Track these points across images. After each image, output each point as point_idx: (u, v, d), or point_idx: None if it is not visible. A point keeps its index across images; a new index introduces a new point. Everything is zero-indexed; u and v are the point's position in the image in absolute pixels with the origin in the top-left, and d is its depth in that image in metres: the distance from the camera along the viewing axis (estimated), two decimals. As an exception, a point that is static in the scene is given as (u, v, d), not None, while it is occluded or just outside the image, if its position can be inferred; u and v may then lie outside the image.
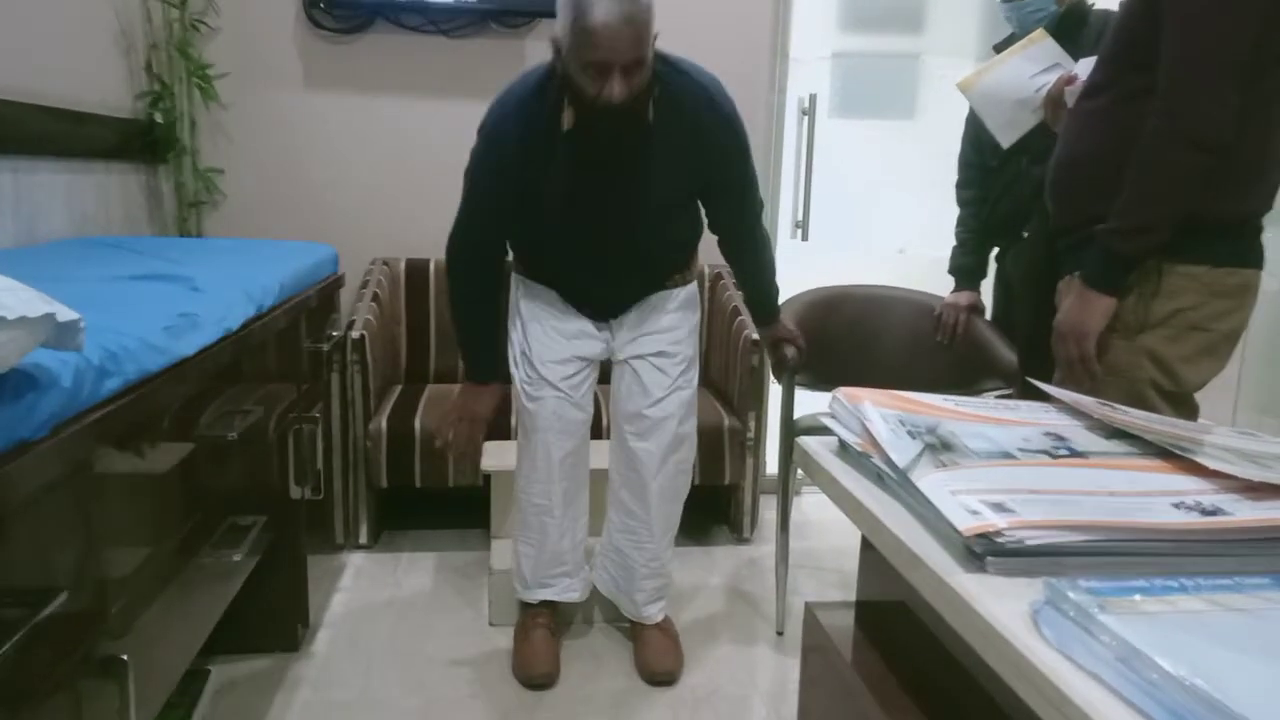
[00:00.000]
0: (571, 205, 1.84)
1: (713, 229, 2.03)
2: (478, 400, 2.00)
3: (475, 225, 1.91)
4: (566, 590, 2.10)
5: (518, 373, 2.02)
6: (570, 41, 1.64)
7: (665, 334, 2.01)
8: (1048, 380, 1.31)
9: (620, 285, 1.99)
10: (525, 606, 2.14)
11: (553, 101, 1.76)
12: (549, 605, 2.13)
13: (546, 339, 1.98)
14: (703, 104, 1.81)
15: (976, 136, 2.39)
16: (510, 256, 2.04)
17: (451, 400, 2.06)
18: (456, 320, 2.02)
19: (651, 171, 1.82)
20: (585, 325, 2.01)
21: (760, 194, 2.02)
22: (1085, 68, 1.70)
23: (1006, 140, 2.12)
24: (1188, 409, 1.52)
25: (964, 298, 2.53)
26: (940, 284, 2.60)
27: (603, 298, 2.00)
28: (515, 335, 2.03)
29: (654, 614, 2.11)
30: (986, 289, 2.55)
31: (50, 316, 0.82)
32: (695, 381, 2.07)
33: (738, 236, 2.03)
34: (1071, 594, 0.62)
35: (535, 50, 2.95)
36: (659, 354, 2.00)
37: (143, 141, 2.61)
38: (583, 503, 2.09)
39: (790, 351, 2.16)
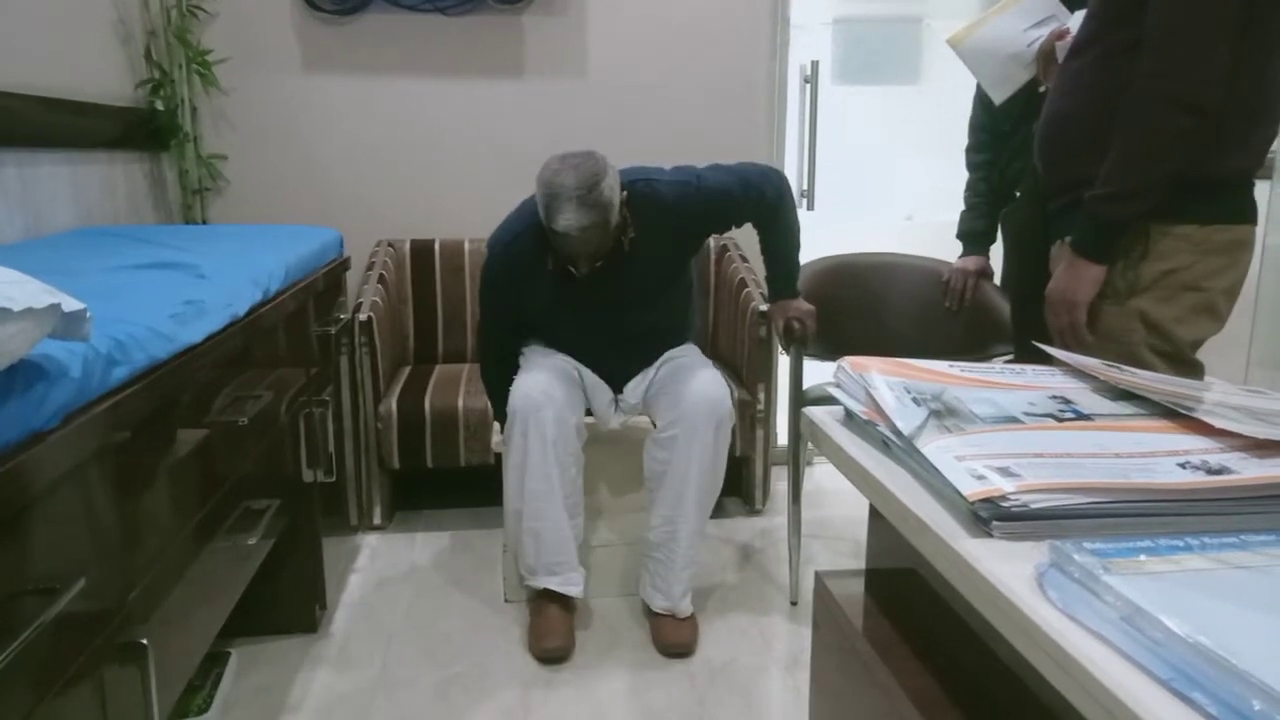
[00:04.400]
0: (572, 312, 2.09)
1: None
2: None
3: (493, 332, 2.19)
4: (567, 583, 2.09)
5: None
6: (544, 220, 1.89)
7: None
8: (1043, 341, 1.31)
9: (629, 354, 2.18)
10: None
11: (538, 244, 2.00)
12: None
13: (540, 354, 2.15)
14: (680, 198, 2.01)
15: (988, 99, 2.37)
16: None
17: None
18: (490, 390, 2.26)
19: (640, 273, 2.04)
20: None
21: (769, 180, 2.11)
22: (1079, 22, 1.67)
23: (998, 97, 2.09)
24: (1188, 368, 1.51)
25: (972, 263, 2.51)
26: (948, 249, 2.59)
27: (615, 364, 2.18)
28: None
29: (686, 606, 2.11)
30: (995, 254, 2.53)
31: (56, 307, 0.83)
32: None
33: (763, 219, 2.16)
34: (1076, 556, 0.63)
35: (533, 26, 2.93)
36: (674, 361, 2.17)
37: (145, 130, 2.61)
38: (578, 486, 2.10)
39: (795, 326, 2.16)
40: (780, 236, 2.18)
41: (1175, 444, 0.80)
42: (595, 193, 1.83)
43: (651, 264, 2.05)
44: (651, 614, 2.15)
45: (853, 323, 2.56)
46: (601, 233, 1.88)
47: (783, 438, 2.89)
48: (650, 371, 2.18)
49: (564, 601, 2.12)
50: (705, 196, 2.02)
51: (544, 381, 2.03)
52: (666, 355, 2.18)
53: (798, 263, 2.23)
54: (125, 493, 1.10)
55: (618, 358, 2.18)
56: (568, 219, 1.83)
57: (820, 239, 2.92)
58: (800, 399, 2.23)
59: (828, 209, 3.15)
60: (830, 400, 1.04)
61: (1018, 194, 2.31)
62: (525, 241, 2.02)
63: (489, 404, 2.31)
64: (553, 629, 2.05)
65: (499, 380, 2.15)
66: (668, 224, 2.01)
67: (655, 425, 2.12)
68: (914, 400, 0.90)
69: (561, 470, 2.03)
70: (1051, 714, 0.70)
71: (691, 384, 2.04)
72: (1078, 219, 1.50)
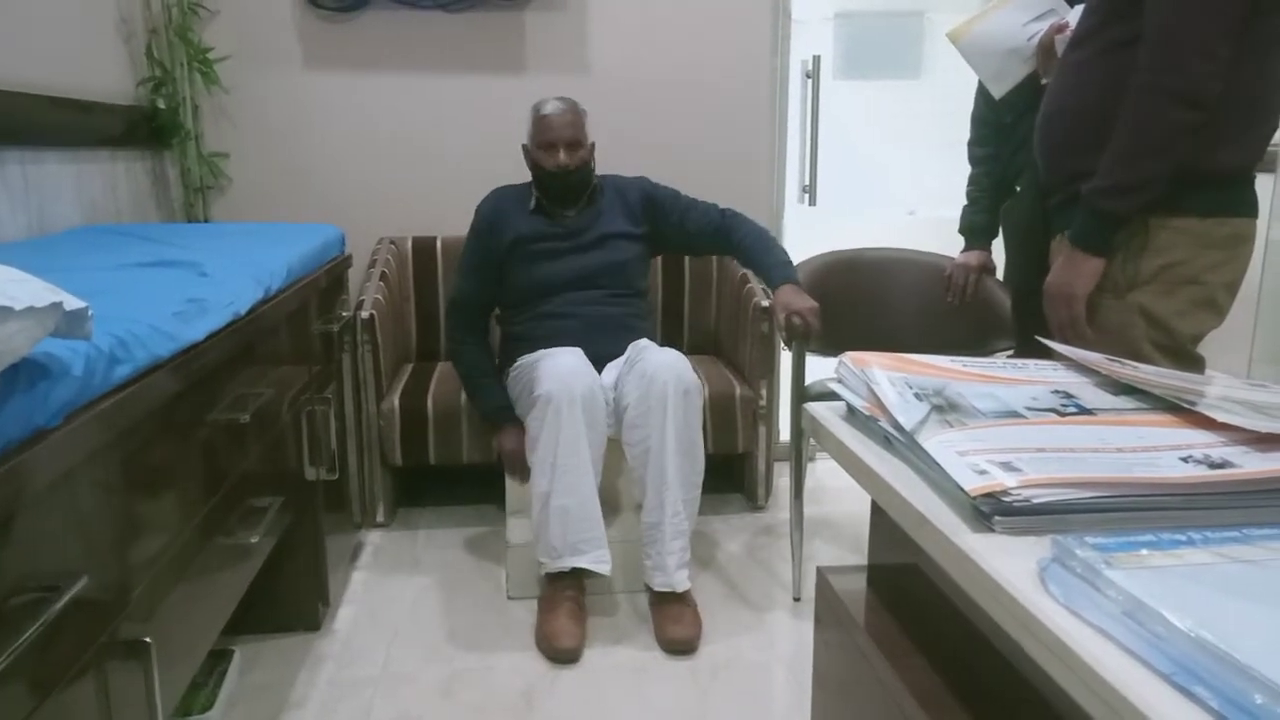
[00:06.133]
0: (554, 254, 2.37)
1: (704, 247, 2.56)
2: (512, 439, 2.29)
3: (468, 286, 2.43)
4: (598, 561, 2.09)
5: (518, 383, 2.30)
6: (532, 131, 2.40)
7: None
8: (1045, 336, 1.31)
9: (604, 314, 2.37)
10: (551, 579, 2.15)
11: (524, 192, 2.45)
12: (577, 576, 2.14)
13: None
14: (635, 184, 2.51)
15: (990, 93, 2.36)
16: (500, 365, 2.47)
17: (501, 451, 2.37)
18: (464, 375, 2.46)
19: (606, 222, 2.42)
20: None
21: (714, 205, 2.49)
22: (1079, 15, 1.67)
23: (998, 91, 2.09)
24: (1189, 362, 1.51)
25: (974, 257, 2.51)
26: (950, 244, 2.59)
27: (594, 325, 2.35)
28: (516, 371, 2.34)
29: (683, 580, 2.12)
30: (998, 248, 2.53)
31: (58, 305, 0.83)
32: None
33: (720, 229, 2.44)
34: (1078, 550, 0.62)
35: (535, 23, 2.93)
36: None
37: (147, 128, 2.61)
38: (600, 470, 2.12)
39: (797, 322, 2.15)
40: (748, 231, 2.41)
41: (1177, 438, 0.80)
42: (574, 103, 2.40)
43: (615, 219, 2.42)
44: (654, 602, 2.15)
45: (854, 318, 2.56)
46: (578, 125, 2.37)
47: (785, 434, 2.89)
48: (620, 362, 2.28)
49: (577, 599, 2.12)
50: (653, 184, 2.50)
51: (570, 364, 2.14)
52: (633, 344, 2.29)
53: (783, 249, 2.41)
54: (128, 490, 1.10)
55: (596, 321, 2.33)
56: (553, 104, 2.37)
57: (822, 234, 2.91)
58: (802, 395, 2.22)
59: (829, 204, 3.15)
60: (832, 396, 1.04)
61: (1019, 188, 2.31)
62: (513, 190, 2.47)
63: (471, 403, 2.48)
64: (566, 629, 2.05)
65: (476, 366, 2.40)
66: (625, 198, 2.45)
67: (628, 411, 2.14)
68: (916, 395, 0.90)
69: (593, 449, 2.08)
70: (1053, 709, 0.70)
71: (653, 360, 2.14)
72: (1077, 213, 1.49)
